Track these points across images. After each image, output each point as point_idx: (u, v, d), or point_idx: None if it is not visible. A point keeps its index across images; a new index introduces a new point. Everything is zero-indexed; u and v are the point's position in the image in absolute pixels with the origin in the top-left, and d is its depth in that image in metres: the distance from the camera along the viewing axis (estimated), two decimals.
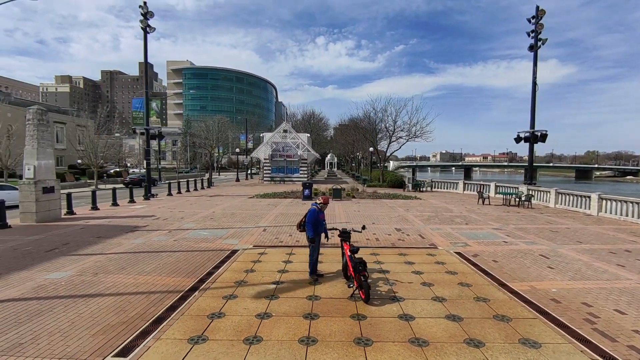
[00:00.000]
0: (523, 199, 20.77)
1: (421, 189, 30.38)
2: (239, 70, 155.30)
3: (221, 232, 12.41)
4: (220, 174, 72.68)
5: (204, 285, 7.16)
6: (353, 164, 70.77)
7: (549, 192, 21.21)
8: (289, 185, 35.95)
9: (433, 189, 31.66)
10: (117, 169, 56.95)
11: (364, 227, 8.42)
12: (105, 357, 4.52)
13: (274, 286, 7.14)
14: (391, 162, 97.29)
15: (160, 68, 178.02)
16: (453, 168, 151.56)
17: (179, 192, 28.21)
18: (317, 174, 68.12)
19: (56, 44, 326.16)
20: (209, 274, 7.88)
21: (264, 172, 41.55)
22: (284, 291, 6.88)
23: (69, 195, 16.70)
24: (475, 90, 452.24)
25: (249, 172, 58.95)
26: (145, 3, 23.84)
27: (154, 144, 53.07)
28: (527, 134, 24.38)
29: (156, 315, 5.72)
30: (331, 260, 8.84)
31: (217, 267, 8.40)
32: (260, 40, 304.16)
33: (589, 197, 18.12)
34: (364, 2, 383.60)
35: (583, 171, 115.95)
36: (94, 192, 18.80)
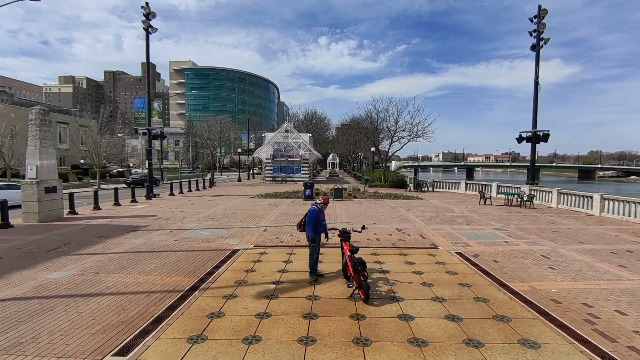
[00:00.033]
0: (525, 199, 20.70)
1: (423, 189, 30.34)
2: (241, 70, 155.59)
3: (222, 232, 12.44)
4: (223, 174, 72.82)
5: (204, 284, 7.18)
6: (355, 164, 70.78)
7: (551, 192, 21.13)
8: (291, 185, 35.99)
9: (435, 189, 31.61)
10: (120, 169, 57.24)
11: (363, 227, 8.41)
12: (104, 356, 4.54)
13: (274, 286, 7.15)
14: (393, 162, 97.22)
15: (163, 68, 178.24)
16: (455, 168, 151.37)
17: (181, 192, 28.29)
18: (319, 174, 68.15)
19: (59, 45, 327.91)
20: (209, 273, 7.90)
21: (266, 172, 41.62)
22: (284, 291, 6.89)
23: (71, 195, 16.79)
24: (477, 90, 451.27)
25: (251, 172, 59.04)
26: (147, 4, 23.90)
27: (156, 144, 53.29)
28: (529, 134, 24.30)
29: (156, 315, 5.74)
30: (331, 260, 8.84)
31: (217, 266, 8.42)
32: (262, 40, 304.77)
33: (591, 197, 18.04)
34: (366, 2, 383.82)
35: (586, 171, 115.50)
36: (96, 192, 18.89)
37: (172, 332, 5.21)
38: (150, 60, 24.88)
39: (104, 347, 4.75)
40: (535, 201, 21.34)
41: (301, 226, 7.83)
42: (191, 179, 34.95)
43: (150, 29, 24.24)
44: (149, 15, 23.99)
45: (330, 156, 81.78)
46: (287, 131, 41.48)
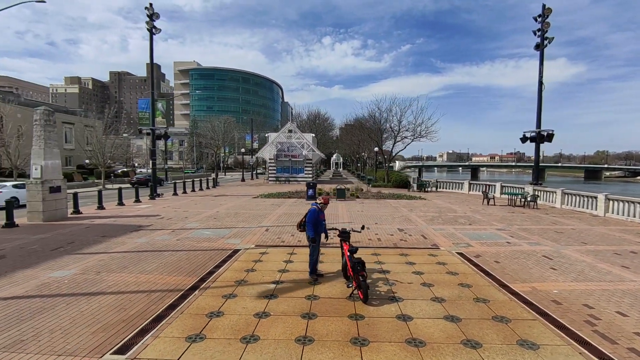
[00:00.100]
0: (528, 199, 20.57)
1: (426, 189, 30.25)
2: (245, 70, 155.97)
3: (224, 232, 12.49)
4: (226, 174, 73.09)
5: (204, 284, 7.22)
6: (358, 164, 70.71)
7: (555, 192, 20.97)
8: (294, 185, 36.03)
9: (438, 189, 31.50)
10: (125, 169, 57.61)
11: (363, 227, 8.42)
12: (103, 355, 4.59)
13: (274, 286, 7.17)
14: (397, 162, 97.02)
15: (167, 69, 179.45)
16: (460, 168, 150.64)
17: (185, 192, 28.44)
18: (323, 174, 68.19)
19: (66, 46, 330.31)
20: (210, 273, 7.94)
21: (269, 172, 41.69)
22: (284, 291, 6.91)
23: (75, 195, 16.95)
24: (482, 90, 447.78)
25: (254, 172, 59.19)
26: (150, 5, 24.06)
27: (160, 144, 53.62)
28: (533, 134, 24.12)
29: (156, 314, 5.79)
30: (331, 260, 8.85)
31: (218, 266, 8.46)
32: (267, 40, 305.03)
33: (596, 197, 17.89)
34: (370, 2, 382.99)
35: (592, 171, 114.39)
36: (100, 192, 19.04)
37: (171, 331, 5.25)
38: (156, 61, 25.09)
39: (103, 346, 4.79)
40: (539, 201, 21.19)
41: (301, 226, 7.85)
42: (195, 179, 35.15)
43: (154, 30, 24.43)
44: (152, 16, 24.17)
45: (334, 156, 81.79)
46: (290, 131, 41.54)
